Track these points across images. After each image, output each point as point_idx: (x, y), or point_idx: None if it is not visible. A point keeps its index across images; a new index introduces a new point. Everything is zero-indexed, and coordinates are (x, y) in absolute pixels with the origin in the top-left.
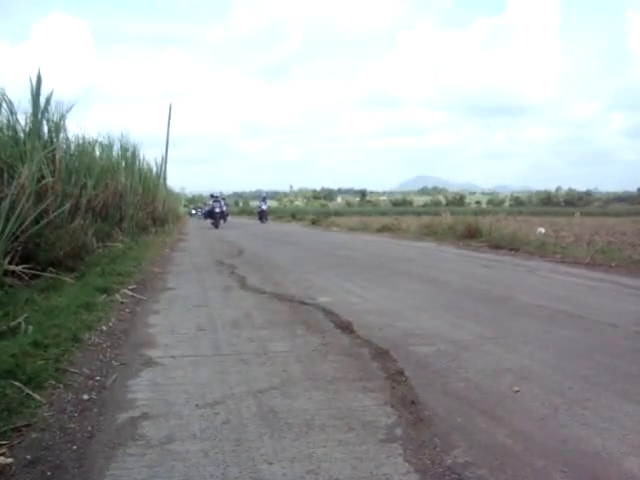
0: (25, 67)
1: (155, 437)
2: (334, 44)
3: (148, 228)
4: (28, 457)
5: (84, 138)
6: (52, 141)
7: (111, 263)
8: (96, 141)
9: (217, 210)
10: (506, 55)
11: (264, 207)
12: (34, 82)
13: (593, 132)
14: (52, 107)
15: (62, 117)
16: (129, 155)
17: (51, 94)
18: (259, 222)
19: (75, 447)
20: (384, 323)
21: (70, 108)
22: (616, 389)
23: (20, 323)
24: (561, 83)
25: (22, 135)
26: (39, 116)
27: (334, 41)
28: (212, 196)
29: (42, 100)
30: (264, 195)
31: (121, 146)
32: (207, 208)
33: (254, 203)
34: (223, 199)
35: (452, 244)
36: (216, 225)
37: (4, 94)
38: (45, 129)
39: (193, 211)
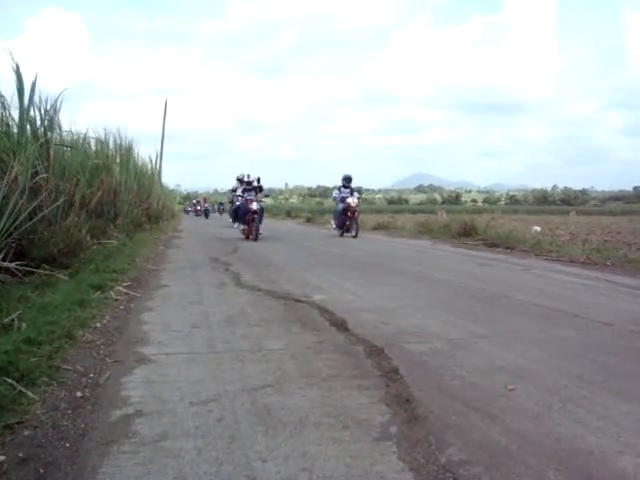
0: (20, 62)
1: (149, 434)
2: (329, 41)
3: (143, 225)
4: (20, 455)
5: (78, 133)
6: (45, 136)
7: (105, 260)
8: (90, 137)
9: (254, 207)
10: (502, 53)
11: (352, 200)
12: (22, 75)
13: (589, 131)
14: (44, 101)
15: (55, 112)
16: (124, 151)
17: (34, 84)
18: (336, 233)
19: (68, 444)
20: (379, 321)
21: (59, 102)
22: (611, 388)
23: (13, 320)
24: (557, 81)
25: (15, 130)
26: (25, 107)
27: (329, 38)
28: (242, 181)
29: (27, 94)
30: (348, 176)
31: (116, 142)
32: (206, 207)
33: None
34: (259, 187)
35: (448, 242)
36: (252, 234)
37: None
38: (38, 123)
39: (189, 208)
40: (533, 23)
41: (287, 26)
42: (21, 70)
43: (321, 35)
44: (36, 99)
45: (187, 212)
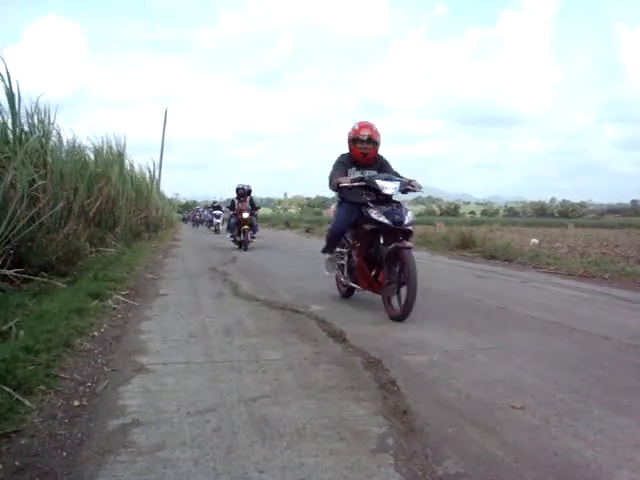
0: (18, 69)
1: (145, 444)
2: (326, 52)
3: (141, 234)
4: (17, 464)
5: (76, 141)
6: (43, 143)
7: (104, 268)
8: (88, 145)
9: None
10: (498, 66)
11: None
12: (7, 82)
13: (586, 144)
14: (42, 109)
15: (53, 119)
16: (122, 160)
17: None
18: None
19: (65, 454)
20: (377, 332)
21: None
22: (607, 401)
23: (11, 327)
24: (553, 94)
25: (12, 137)
26: (17, 115)
27: (326, 49)
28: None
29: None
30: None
31: (114, 150)
32: None
33: None
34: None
35: (446, 254)
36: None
37: None
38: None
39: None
40: (529, 36)
41: (283, 36)
42: (11, 77)
43: (317, 45)
44: (27, 106)
45: (197, 222)
